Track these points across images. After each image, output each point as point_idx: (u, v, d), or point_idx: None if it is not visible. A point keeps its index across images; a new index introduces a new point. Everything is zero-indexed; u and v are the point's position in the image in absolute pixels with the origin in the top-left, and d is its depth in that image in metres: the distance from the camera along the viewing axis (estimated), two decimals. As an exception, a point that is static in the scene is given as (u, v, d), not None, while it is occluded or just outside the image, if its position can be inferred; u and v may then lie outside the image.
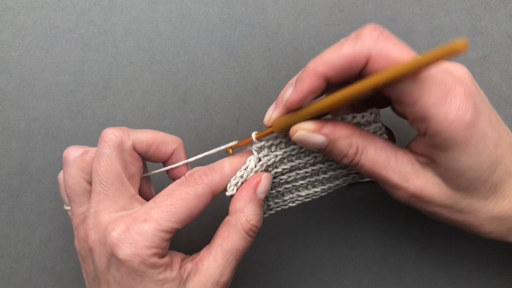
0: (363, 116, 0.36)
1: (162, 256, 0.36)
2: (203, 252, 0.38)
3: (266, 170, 0.40)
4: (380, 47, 0.30)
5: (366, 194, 0.50)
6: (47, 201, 0.51)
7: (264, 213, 0.42)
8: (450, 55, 0.25)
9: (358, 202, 0.51)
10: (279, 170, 0.40)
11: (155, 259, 0.35)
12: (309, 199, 0.42)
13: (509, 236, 0.37)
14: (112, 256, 0.35)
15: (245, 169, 0.38)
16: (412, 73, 0.30)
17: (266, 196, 0.38)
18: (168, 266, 0.37)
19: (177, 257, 0.38)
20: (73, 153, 0.41)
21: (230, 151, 0.42)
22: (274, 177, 0.40)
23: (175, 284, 0.36)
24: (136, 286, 0.36)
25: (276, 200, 0.42)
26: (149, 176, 0.44)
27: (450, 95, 0.31)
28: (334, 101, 0.31)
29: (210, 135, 0.52)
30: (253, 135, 0.39)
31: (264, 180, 0.38)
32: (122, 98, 0.52)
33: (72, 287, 0.51)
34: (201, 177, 0.38)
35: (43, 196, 0.51)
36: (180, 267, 0.38)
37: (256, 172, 0.39)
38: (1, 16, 0.52)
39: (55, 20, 0.52)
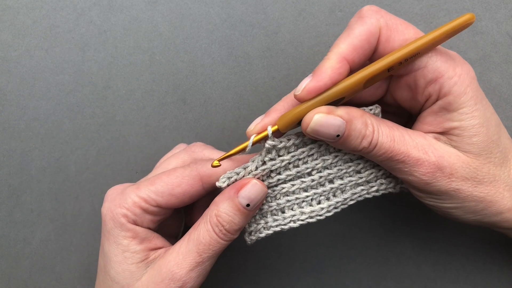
0: (371, 109, 0.37)
1: (135, 224, 0.37)
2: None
3: (268, 175, 0.38)
4: (386, 18, 0.35)
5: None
6: (47, 201, 0.51)
7: (261, 232, 0.39)
8: (462, 28, 0.32)
9: (358, 203, 0.50)
10: (282, 176, 0.37)
11: (123, 220, 0.36)
12: (313, 220, 0.38)
13: None
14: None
15: (244, 168, 0.37)
16: (427, 49, 0.34)
17: (249, 205, 0.35)
18: (137, 237, 0.37)
19: (157, 239, 0.38)
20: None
21: (217, 162, 0.37)
22: (275, 185, 0.38)
23: (136, 258, 0.36)
24: (104, 244, 0.38)
25: (275, 217, 0.39)
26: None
27: (452, 58, 0.35)
28: (356, 81, 0.33)
29: (210, 135, 0.52)
30: (269, 129, 0.35)
31: (250, 186, 0.36)
32: (122, 98, 0.52)
33: (72, 287, 0.51)
34: (194, 162, 0.39)
35: (43, 196, 0.51)
36: (153, 249, 0.38)
37: (255, 175, 0.37)
38: (1, 16, 0.52)
39: (55, 20, 0.52)
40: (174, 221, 0.43)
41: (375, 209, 0.50)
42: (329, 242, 0.51)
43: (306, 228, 0.51)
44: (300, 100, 0.34)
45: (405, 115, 0.42)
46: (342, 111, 0.34)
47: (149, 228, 0.38)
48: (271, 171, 0.37)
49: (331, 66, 0.33)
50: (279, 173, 0.38)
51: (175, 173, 0.38)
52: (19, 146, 0.52)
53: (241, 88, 0.52)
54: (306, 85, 0.34)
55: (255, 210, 0.37)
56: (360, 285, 0.50)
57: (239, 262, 0.51)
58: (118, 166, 0.52)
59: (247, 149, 0.36)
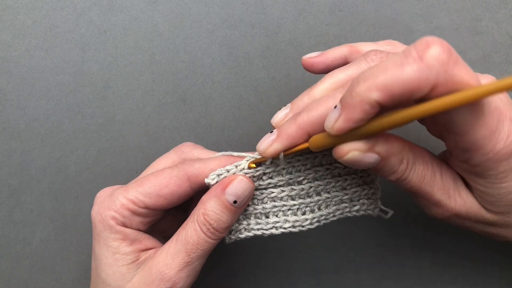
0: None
1: (124, 226, 0.37)
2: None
3: (259, 177, 0.38)
4: (450, 74, 0.26)
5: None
6: (47, 201, 0.51)
7: (241, 233, 0.38)
8: None
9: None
10: (273, 181, 0.38)
11: (112, 223, 0.36)
12: (295, 230, 0.38)
13: None
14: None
15: (236, 167, 0.37)
16: (477, 100, 0.27)
17: (236, 202, 0.35)
18: (127, 239, 0.37)
19: (148, 240, 0.38)
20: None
21: (253, 165, 0.37)
22: (265, 188, 0.38)
23: (127, 259, 0.36)
24: (95, 247, 0.38)
25: (259, 221, 0.38)
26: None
27: (500, 123, 0.29)
28: (390, 123, 0.27)
29: (210, 135, 0.52)
30: (281, 155, 0.35)
31: (236, 182, 0.35)
32: (122, 98, 0.52)
33: (72, 287, 0.51)
34: (182, 162, 0.38)
35: (43, 196, 0.51)
36: (143, 250, 0.38)
37: (246, 173, 0.37)
38: (1, 16, 0.52)
39: (55, 20, 0.52)
40: (171, 222, 0.43)
41: (375, 209, 0.50)
42: (328, 242, 0.51)
43: (306, 228, 0.51)
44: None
45: None
46: (382, 147, 0.30)
47: (140, 230, 0.38)
48: (264, 173, 0.38)
49: (361, 106, 0.27)
50: (271, 177, 0.38)
51: (162, 173, 0.37)
52: (19, 146, 0.52)
53: (241, 88, 0.52)
54: (336, 123, 0.29)
55: (243, 207, 0.37)
56: (360, 285, 0.50)
57: (238, 262, 0.51)
58: (118, 166, 0.52)
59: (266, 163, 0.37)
